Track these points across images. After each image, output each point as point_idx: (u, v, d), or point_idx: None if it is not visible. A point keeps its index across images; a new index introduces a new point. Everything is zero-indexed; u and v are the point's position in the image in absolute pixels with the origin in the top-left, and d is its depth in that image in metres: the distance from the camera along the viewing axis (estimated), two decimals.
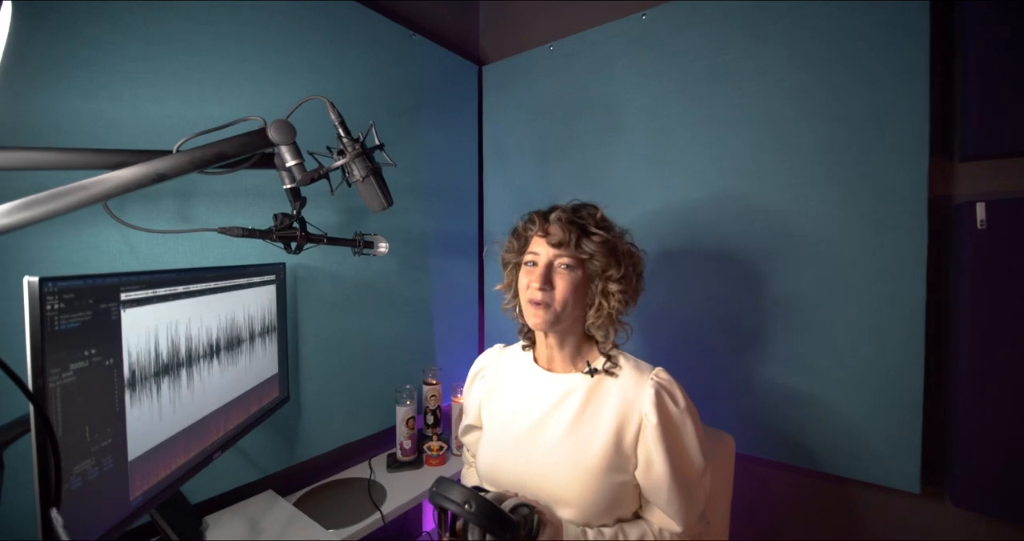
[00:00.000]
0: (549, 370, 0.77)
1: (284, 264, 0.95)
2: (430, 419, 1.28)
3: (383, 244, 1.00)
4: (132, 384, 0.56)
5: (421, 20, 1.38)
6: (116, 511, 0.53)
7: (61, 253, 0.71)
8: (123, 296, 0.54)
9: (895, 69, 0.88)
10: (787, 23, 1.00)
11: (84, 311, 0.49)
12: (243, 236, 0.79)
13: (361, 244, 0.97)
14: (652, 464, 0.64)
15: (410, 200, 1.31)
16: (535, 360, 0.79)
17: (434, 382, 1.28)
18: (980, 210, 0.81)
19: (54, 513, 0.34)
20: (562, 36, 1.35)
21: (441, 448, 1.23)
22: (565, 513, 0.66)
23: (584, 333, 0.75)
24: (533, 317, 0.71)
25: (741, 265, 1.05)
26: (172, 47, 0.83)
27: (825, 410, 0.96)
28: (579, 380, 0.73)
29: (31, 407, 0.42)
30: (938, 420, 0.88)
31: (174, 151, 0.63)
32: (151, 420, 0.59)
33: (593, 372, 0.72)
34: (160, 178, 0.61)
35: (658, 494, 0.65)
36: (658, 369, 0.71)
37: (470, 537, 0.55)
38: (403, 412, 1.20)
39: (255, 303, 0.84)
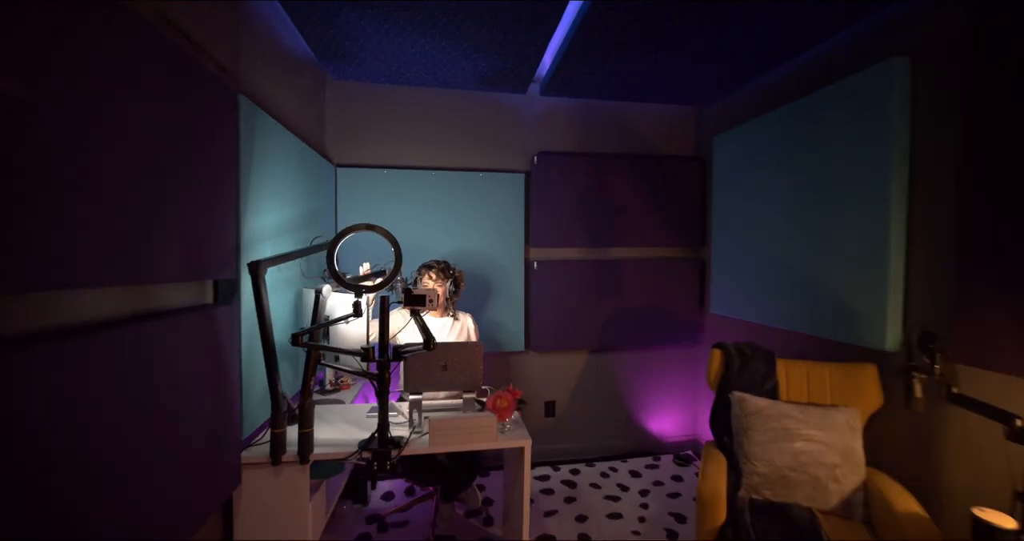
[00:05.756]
0: (434, 316, 2.22)
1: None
2: None
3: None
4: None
5: (285, 119, 2.37)
6: None
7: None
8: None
9: (511, 206, 2.81)
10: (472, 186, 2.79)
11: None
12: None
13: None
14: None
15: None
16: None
17: None
18: (536, 264, 2.84)
19: None
20: (386, 163, 2.68)
21: None
22: None
23: (444, 305, 2.23)
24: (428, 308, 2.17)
25: (481, 279, 2.77)
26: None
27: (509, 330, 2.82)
28: (447, 319, 2.23)
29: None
30: (528, 326, 2.88)
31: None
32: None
33: (454, 316, 2.24)
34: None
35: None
36: (468, 314, 2.32)
37: None
38: None
39: None
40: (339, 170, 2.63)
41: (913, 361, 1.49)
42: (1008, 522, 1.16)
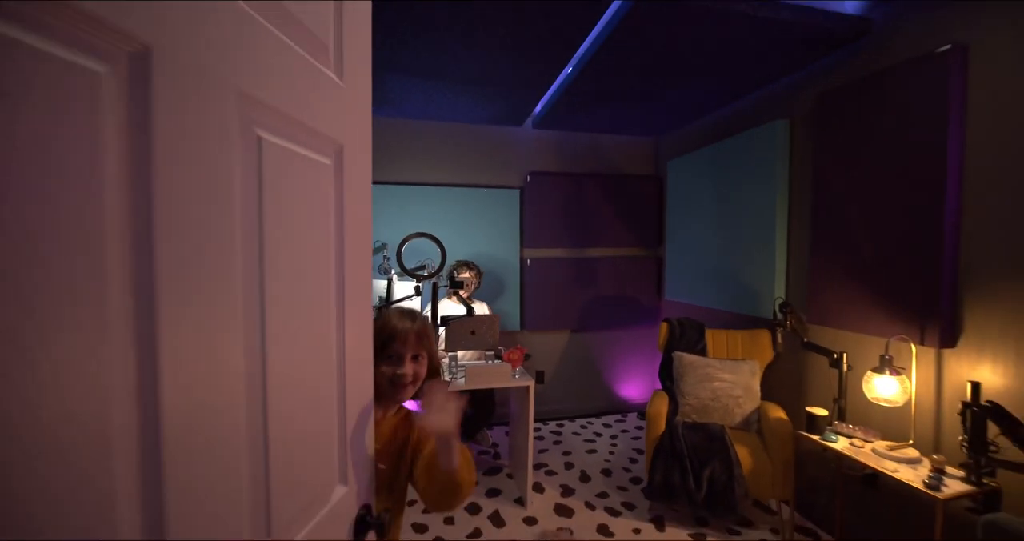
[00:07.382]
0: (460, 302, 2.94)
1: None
2: None
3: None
4: None
5: None
6: None
7: None
8: None
9: (509, 214, 3.53)
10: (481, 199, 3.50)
11: None
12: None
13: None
14: None
15: None
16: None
17: None
18: (529, 261, 3.56)
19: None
20: (410, 180, 3.36)
21: None
22: None
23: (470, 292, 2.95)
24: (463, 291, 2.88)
25: (486, 273, 3.48)
26: None
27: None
28: (475, 304, 2.95)
29: None
30: (522, 310, 3.61)
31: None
32: None
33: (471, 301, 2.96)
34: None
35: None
36: (483, 302, 3.03)
37: None
38: None
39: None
40: (374, 187, 3.29)
41: (776, 320, 2.28)
42: (823, 412, 1.95)
